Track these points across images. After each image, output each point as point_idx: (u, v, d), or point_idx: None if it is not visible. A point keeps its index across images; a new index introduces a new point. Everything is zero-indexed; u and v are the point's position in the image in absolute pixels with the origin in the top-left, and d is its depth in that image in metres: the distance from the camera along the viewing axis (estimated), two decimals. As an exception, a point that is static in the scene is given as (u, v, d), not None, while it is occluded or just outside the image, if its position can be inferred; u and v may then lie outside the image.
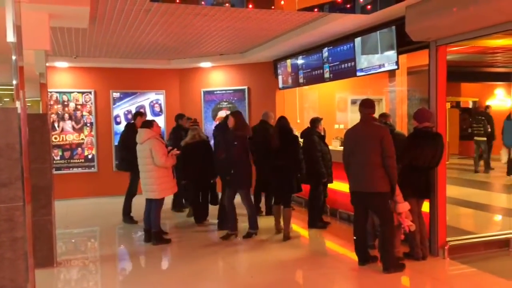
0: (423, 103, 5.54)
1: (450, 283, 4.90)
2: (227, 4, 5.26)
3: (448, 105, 15.25)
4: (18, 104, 2.81)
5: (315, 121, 6.76)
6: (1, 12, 2.76)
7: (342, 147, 5.82)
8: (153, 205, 6.19)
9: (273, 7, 5.13)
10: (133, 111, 10.09)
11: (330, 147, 6.96)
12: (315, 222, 6.78)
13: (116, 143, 9.92)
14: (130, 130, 7.34)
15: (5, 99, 12.79)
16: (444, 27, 4.98)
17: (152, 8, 5.52)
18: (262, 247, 6.08)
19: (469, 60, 10.56)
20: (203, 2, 4.89)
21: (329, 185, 7.04)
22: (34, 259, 5.20)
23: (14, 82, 2.81)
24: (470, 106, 16.57)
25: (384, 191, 4.85)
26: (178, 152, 6.37)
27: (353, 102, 9.33)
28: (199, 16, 5.95)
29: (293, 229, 6.69)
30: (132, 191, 7.47)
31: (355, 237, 5.11)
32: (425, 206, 5.44)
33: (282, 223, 6.42)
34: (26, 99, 5.12)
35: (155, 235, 6.21)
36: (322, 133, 6.79)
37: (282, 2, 4.88)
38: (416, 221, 5.26)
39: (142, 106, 10.27)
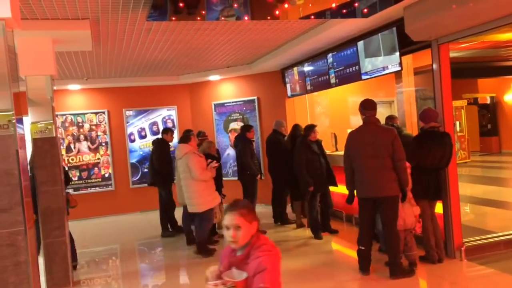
0: (431, 103, 5.45)
1: (468, 285, 4.78)
2: (232, 18, 5.26)
3: (465, 102, 15.09)
4: (14, 130, 2.86)
5: (306, 128, 6.78)
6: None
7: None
8: (197, 218, 6.30)
9: (269, 17, 5.14)
10: (147, 128, 10.29)
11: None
12: (316, 231, 6.67)
13: (133, 161, 10.17)
14: (163, 145, 7.79)
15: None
16: (444, 25, 4.92)
17: (152, 27, 5.62)
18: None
19: (483, 56, 10.38)
20: (199, 18, 4.92)
21: (342, 191, 6.97)
22: (50, 280, 5.32)
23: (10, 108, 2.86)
24: (488, 102, 16.23)
25: (395, 195, 4.78)
26: (217, 164, 6.48)
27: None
28: (200, 31, 6.02)
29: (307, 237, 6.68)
30: (170, 205, 7.70)
31: (362, 247, 4.94)
32: (438, 208, 5.34)
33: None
34: (44, 123, 5.30)
35: (199, 245, 6.30)
36: (313, 140, 6.66)
37: (278, 12, 4.88)
38: (430, 224, 5.17)
39: (155, 123, 10.41)
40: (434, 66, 5.30)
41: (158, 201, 7.79)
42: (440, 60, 5.22)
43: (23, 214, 2.87)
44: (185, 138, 6.50)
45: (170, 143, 7.97)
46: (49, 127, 5.36)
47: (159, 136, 8.23)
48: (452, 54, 5.63)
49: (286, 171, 7.02)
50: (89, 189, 10.02)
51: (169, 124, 10.50)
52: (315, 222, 6.69)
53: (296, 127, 7.47)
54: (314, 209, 6.62)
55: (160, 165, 7.69)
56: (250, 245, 2.33)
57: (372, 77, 6.45)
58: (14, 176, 2.84)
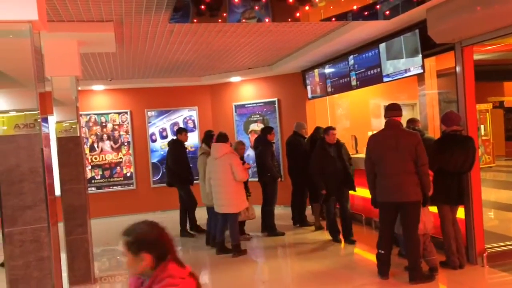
0: (455, 106, 5.37)
1: (489, 293, 4.69)
2: (253, 20, 5.28)
3: (490, 105, 14.78)
4: (40, 129, 2.95)
5: (323, 131, 6.75)
6: (24, 42, 2.94)
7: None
8: (231, 219, 6.25)
9: (289, 19, 5.15)
10: (168, 129, 10.40)
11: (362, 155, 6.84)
12: (334, 234, 6.62)
13: (154, 161, 10.30)
14: (178, 145, 7.75)
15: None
16: (467, 28, 4.84)
17: (174, 29, 5.69)
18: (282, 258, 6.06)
19: (509, 58, 10.16)
20: (220, 20, 4.97)
21: (362, 194, 6.93)
22: (73, 277, 5.43)
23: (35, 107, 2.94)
24: (515, 105, 15.87)
25: (418, 200, 4.72)
26: (249, 166, 6.51)
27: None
28: (221, 33, 6.07)
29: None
30: (191, 204, 7.71)
31: (382, 251, 4.89)
32: (460, 213, 5.25)
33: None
34: (69, 122, 5.43)
35: (236, 247, 6.28)
36: (330, 143, 6.53)
37: (298, 14, 4.89)
38: (451, 229, 5.09)
39: (176, 123, 10.51)
40: (458, 68, 5.22)
41: (178, 201, 7.87)
42: (463, 62, 5.14)
43: (47, 211, 2.96)
44: (223, 137, 6.46)
45: (185, 143, 7.95)
46: (73, 126, 5.49)
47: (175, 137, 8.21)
48: (477, 57, 5.53)
49: (306, 173, 7.00)
50: (111, 187, 10.19)
51: (190, 125, 10.59)
52: (332, 225, 6.63)
53: (317, 129, 7.46)
54: (330, 212, 6.57)
55: (174, 165, 7.69)
56: (153, 276, 2.03)
57: (394, 80, 6.39)
58: (38, 174, 2.94)
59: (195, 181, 7.70)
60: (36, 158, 2.92)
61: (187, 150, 8.01)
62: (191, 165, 7.85)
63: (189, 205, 7.74)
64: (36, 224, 2.92)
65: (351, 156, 7.15)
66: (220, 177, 6.17)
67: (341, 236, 6.62)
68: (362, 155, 7.01)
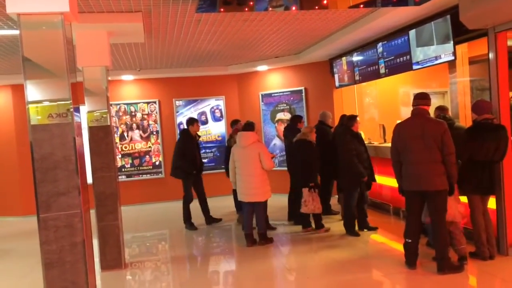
0: (488, 94, 5.23)
1: (520, 284, 4.58)
2: (280, 8, 5.25)
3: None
4: (72, 119, 3.03)
5: (350, 119, 6.56)
6: (56, 34, 3.01)
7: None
8: (258, 208, 6.28)
9: (317, 7, 5.09)
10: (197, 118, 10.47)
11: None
12: (349, 228, 6.50)
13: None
14: (186, 136, 7.58)
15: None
16: (502, 12, 4.68)
17: (201, 18, 5.72)
18: (314, 246, 6.08)
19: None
20: (247, 9, 4.97)
21: (390, 183, 6.87)
22: (104, 262, 5.60)
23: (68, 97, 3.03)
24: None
25: (444, 189, 4.66)
26: (275, 155, 6.48)
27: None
28: (248, 22, 6.07)
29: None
30: (188, 198, 7.58)
31: (409, 240, 4.86)
32: (491, 203, 5.14)
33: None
34: (100, 112, 5.56)
35: (262, 236, 6.32)
36: (356, 131, 6.51)
37: (326, 2, 4.83)
38: (481, 219, 5.00)
39: (204, 113, 10.61)
40: (491, 55, 5.08)
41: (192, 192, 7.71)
42: (497, 49, 5.00)
43: (79, 198, 3.06)
44: (250, 126, 6.47)
45: (197, 133, 7.69)
46: (104, 116, 5.61)
47: (208, 125, 7.98)
48: (510, 43, 5.36)
49: (332, 162, 6.96)
50: (140, 176, 10.40)
51: (217, 114, 10.67)
52: (351, 217, 6.50)
53: (343, 117, 7.40)
54: (353, 202, 6.46)
55: (177, 157, 7.50)
56: None
57: (424, 67, 6.26)
58: (71, 162, 3.03)
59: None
60: (68, 146, 3.02)
61: (198, 141, 7.79)
62: (203, 158, 7.53)
63: (184, 198, 7.57)
64: (69, 210, 3.02)
65: (378, 145, 7.08)
66: (249, 166, 6.16)
67: (360, 231, 6.54)
68: (390, 144, 6.94)
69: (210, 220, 7.78)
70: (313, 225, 6.77)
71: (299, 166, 6.64)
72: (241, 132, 6.42)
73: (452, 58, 5.65)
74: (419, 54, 6.24)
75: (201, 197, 7.73)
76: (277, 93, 10.22)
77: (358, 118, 6.58)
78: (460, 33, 5.42)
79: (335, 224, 7.10)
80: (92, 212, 4.06)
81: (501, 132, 4.85)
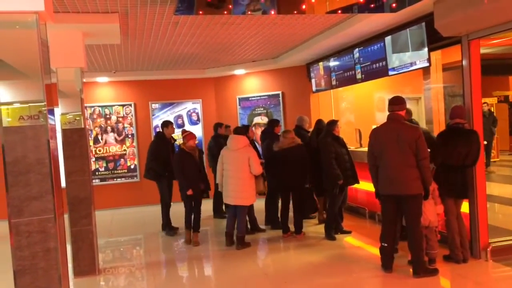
0: (460, 100, 5.35)
1: (492, 286, 4.68)
2: (258, 12, 5.25)
3: (495, 99, 14.69)
4: (46, 121, 2.94)
5: (331, 124, 6.59)
6: (30, 33, 2.92)
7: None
8: (242, 211, 6.27)
9: (295, 11, 5.12)
10: (172, 121, 10.35)
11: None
12: (329, 232, 6.52)
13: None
14: (159, 139, 7.49)
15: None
16: (474, 21, 4.81)
17: (179, 21, 5.67)
18: (288, 251, 6.09)
19: (515, 52, 10.10)
20: (226, 12, 4.95)
21: (366, 187, 6.93)
22: (77, 268, 5.46)
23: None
24: (519, 99, 15.78)
25: (419, 193, 4.73)
26: (262, 161, 6.59)
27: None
28: (226, 25, 6.05)
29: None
30: (165, 200, 7.43)
31: (385, 244, 4.91)
32: (465, 207, 5.25)
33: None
34: (72, 114, 5.43)
35: (240, 239, 6.29)
36: (337, 135, 6.53)
37: (304, 6, 4.86)
38: (455, 223, 5.10)
39: (180, 116, 10.52)
40: (464, 62, 5.19)
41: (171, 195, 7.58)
42: (470, 56, 5.12)
43: (53, 202, 2.96)
44: (242, 129, 6.51)
45: (172, 136, 7.54)
46: (77, 118, 5.48)
47: (187, 129, 7.82)
48: (483, 51, 5.50)
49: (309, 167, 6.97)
50: (115, 179, 10.22)
51: (194, 118, 10.59)
52: (333, 221, 6.55)
53: (319, 122, 7.44)
54: (336, 206, 6.56)
55: (149, 159, 7.43)
56: None
57: (399, 73, 6.37)
58: (45, 165, 2.93)
59: None
60: (42, 149, 2.92)
61: (173, 143, 7.58)
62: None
63: (162, 202, 7.44)
64: (42, 215, 2.92)
65: (354, 149, 7.16)
66: (238, 169, 6.15)
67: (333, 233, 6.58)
68: (366, 148, 7.01)
69: (166, 227, 7.51)
70: (292, 230, 6.77)
71: (294, 171, 6.57)
72: (233, 135, 6.42)
73: (427, 64, 5.76)
74: (394, 60, 6.35)
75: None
76: (254, 97, 10.22)
77: (338, 123, 6.63)
78: (435, 40, 5.53)
79: (312, 228, 7.12)
80: (65, 217, 3.95)
81: (473, 137, 4.97)
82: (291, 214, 6.76)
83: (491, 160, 12.10)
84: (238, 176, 6.15)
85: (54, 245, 2.95)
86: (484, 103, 11.76)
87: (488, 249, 5.12)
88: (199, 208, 6.66)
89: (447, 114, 7.39)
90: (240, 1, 4.82)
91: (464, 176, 5.06)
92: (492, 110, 13.38)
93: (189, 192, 6.37)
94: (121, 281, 5.53)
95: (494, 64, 10.59)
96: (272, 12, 5.02)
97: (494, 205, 7.67)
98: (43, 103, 2.91)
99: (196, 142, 6.75)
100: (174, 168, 6.64)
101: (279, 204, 7.08)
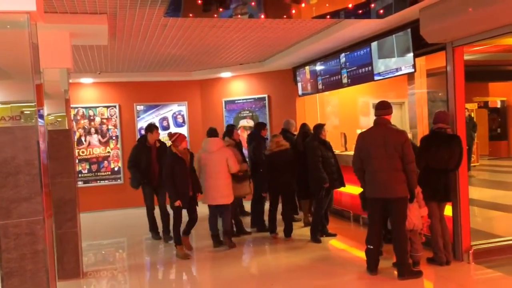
0: (443, 105, 5.48)
1: (475, 288, 4.79)
2: (245, 16, 5.28)
3: (475, 105, 15.01)
4: (36, 122, 2.92)
5: (318, 127, 6.63)
6: (21, 34, 2.89)
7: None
8: (226, 210, 6.44)
9: (285, 16, 5.17)
10: (157, 123, 10.26)
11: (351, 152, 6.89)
12: (315, 234, 6.55)
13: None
14: (140, 145, 7.15)
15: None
16: (459, 28, 4.92)
17: (168, 23, 5.66)
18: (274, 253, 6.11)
19: (495, 59, 10.35)
20: (215, 15, 4.96)
21: (350, 191, 7.01)
22: (61, 271, 5.39)
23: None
24: (499, 105, 16.15)
25: (404, 196, 4.81)
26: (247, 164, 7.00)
27: (376, 106, 9.26)
28: (215, 28, 6.06)
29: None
30: (148, 206, 7.23)
31: (370, 246, 4.98)
32: (448, 210, 5.35)
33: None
34: (54, 115, 5.35)
35: (227, 233, 6.45)
36: (323, 139, 6.57)
37: (294, 11, 4.91)
38: (438, 226, 5.19)
39: (165, 118, 10.47)
40: (448, 68, 5.31)
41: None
42: (454, 62, 5.23)
43: (42, 204, 2.93)
44: (215, 132, 6.73)
45: (159, 140, 7.21)
46: (59, 119, 5.41)
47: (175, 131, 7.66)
48: (464, 57, 5.63)
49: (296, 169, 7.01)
50: (98, 182, 10.12)
51: (180, 120, 10.55)
52: (319, 224, 6.59)
53: (304, 125, 7.47)
54: (322, 209, 6.61)
55: (129, 165, 7.23)
56: None
57: (385, 78, 6.47)
58: (34, 166, 2.90)
59: None
60: (32, 150, 2.89)
61: (160, 147, 7.14)
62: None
63: (150, 208, 7.21)
64: (31, 217, 2.89)
65: (339, 153, 7.23)
66: (217, 170, 6.30)
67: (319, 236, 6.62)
68: (351, 152, 7.07)
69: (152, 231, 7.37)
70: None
71: (284, 174, 6.59)
72: (208, 139, 6.57)
73: (412, 70, 5.87)
74: (380, 65, 6.44)
75: (160, 209, 7.14)
76: (240, 100, 10.24)
77: (325, 127, 6.68)
78: (420, 47, 5.64)
79: (297, 231, 7.16)
80: (52, 219, 3.90)
81: (455, 141, 5.08)
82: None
83: (471, 164, 12.35)
84: (220, 177, 6.31)
85: (42, 247, 2.92)
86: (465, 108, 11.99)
87: (470, 252, 5.23)
88: (192, 215, 6.33)
89: (430, 118, 7.54)
90: (229, 4, 4.83)
91: (447, 180, 5.16)
92: (473, 116, 13.69)
93: (177, 203, 6.07)
94: (105, 284, 5.48)
95: (475, 70, 10.81)
96: (262, 16, 5.04)
97: (474, 208, 7.82)
98: (33, 104, 2.88)
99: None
100: (164, 175, 6.23)
101: (265, 207, 7.12)
